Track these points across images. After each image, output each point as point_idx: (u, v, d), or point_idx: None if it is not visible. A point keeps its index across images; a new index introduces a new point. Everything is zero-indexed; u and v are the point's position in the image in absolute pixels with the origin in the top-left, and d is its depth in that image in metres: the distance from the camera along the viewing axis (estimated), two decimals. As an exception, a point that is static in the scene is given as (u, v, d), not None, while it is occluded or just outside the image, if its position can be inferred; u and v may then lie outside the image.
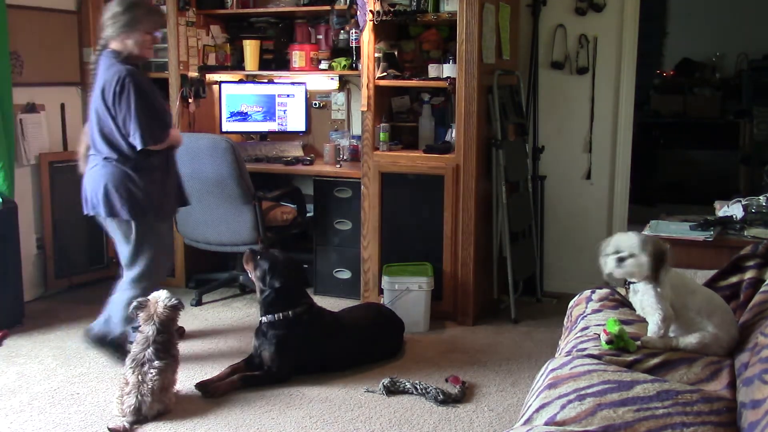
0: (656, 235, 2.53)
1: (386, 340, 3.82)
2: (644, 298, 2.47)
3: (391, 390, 3.34)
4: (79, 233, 4.86)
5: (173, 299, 3.16)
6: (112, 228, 3.60)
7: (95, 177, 3.52)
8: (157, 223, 3.62)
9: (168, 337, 3.13)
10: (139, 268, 3.60)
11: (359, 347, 3.65)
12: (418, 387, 3.31)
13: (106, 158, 3.49)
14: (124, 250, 3.61)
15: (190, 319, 4.30)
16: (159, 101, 3.56)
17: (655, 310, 2.45)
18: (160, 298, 3.17)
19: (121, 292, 3.60)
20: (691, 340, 2.44)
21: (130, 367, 3.06)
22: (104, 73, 3.47)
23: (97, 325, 3.65)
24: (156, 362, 3.05)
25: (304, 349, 3.50)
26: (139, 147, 3.42)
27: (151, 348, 3.07)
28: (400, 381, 3.37)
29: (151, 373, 3.03)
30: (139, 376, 3.03)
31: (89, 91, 3.61)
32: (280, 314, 3.45)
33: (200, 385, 3.34)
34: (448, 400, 3.25)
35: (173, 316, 3.15)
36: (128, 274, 3.63)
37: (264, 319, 3.48)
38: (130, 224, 3.53)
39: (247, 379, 3.41)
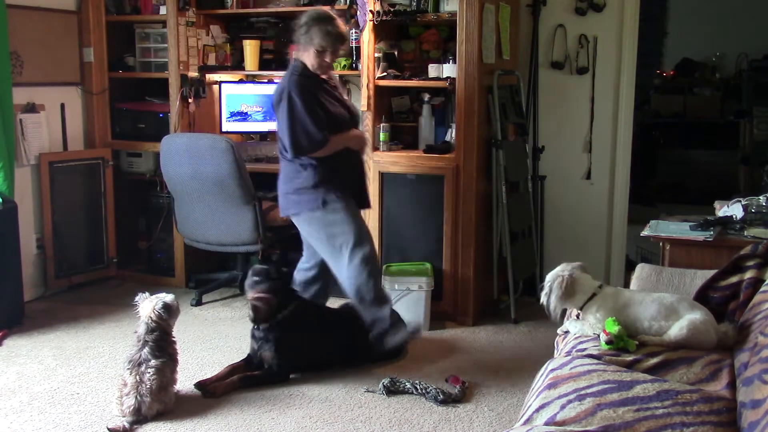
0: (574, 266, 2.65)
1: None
2: (584, 328, 2.63)
3: (391, 390, 3.34)
4: (79, 233, 4.86)
5: (163, 305, 3.13)
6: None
7: (279, 176, 3.78)
8: (325, 219, 3.67)
9: (162, 336, 3.13)
10: (327, 259, 3.73)
11: (358, 342, 3.64)
12: (418, 387, 3.31)
13: (282, 157, 3.71)
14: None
15: (190, 319, 4.31)
16: (322, 112, 3.57)
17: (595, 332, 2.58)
18: (157, 299, 3.16)
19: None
20: (675, 331, 2.48)
21: (128, 368, 3.06)
22: (281, 80, 3.68)
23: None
24: (152, 362, 3.05)
25: (303, 347, 3.50)
26: (289, 156, 3.60)
27: (146, 348, 3.07)
28: (400, 381, 3.37)
29: (149, 372, 3.03)
30: (137, 377, 3.03)
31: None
32: (268, 321, 3.46)
33: (200, 385, 3.34)
34: (448, 400, 3.25)
35: (159, 321, 3.13)
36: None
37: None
38: (296, 220, 3.74)
39: (247, 379, 3.41)
